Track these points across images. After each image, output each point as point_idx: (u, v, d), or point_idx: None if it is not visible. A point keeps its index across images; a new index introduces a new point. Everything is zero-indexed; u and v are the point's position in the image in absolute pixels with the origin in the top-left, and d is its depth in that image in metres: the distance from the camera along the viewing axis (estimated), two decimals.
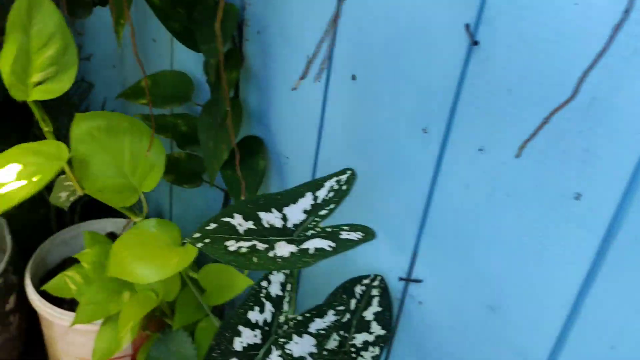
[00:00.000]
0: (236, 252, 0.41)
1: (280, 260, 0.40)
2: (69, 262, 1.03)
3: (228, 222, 0.43)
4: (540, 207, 0.47)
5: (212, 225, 0.43)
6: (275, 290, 0.53)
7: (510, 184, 0.49)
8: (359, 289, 0.62)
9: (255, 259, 0.40)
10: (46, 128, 0.66)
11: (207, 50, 0.61)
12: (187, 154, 0.83)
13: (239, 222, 0.43)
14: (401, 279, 0.62)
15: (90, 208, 1.04)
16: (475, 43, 0.47)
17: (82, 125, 0.68)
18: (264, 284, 0.53)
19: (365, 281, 0.62)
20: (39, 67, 0.60)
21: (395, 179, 0.60)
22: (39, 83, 0.61)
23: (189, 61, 0.84)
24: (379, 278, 0.62)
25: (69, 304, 0.88)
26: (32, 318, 0.97)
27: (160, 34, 0.90)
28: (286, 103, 0.71)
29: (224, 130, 0.70)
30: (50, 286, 0.82)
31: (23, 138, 1.02)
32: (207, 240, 0.42)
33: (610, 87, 0.41)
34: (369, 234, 0.44)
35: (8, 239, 0.92)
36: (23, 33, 0.58)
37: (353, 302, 0.61)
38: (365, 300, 0.61)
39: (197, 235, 0.42)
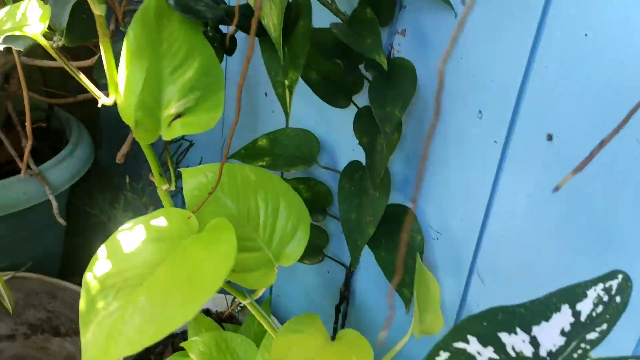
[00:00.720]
0: None
1: None
2: (160, 343, 0.91)
3: (464, 351, 0.30)
4: None
5: (443, 355, 0.30)
6: None
7: None
8: None
9: None
10: (164, 186, 0.50)
11: (382, 115, 0.50)
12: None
13: (477, 349, 0.30)
14: None
15: None
16: None
17: (193, 183, 0.53)
18: None
19: None
20: (176, 94, 0.44)
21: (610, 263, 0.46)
22: (178, 116, 0.44)
23: (309, 118, 0.74)
24: None
25: None
26: None
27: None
28: (439, 166, 0.59)
29: (371, 200, 0.58)
30: None
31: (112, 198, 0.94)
32: None
33: None
34: None
35: None
36: (151, 51, 0.43)
37: None
38: None
39: None
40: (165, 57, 0.43)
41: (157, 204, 0.99)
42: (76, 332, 0.97)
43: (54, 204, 0.81)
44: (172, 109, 0.43)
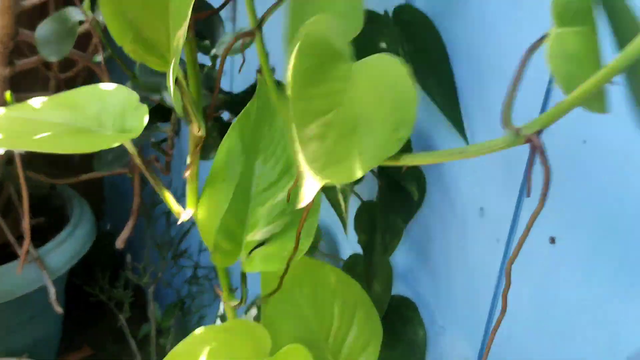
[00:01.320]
0: None
1: None
2: None
3: None
4: None
5: None
6: None
7: None
8: None
9: None
10: (233, 303, 0.45)
11: (385, 226, 0.49)
12: None
13: None
14: None
15: None
16: None
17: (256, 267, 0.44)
18: None
19: None
20: (264, 218, 0.38)
21: None
22: (261, 243, 0.38)
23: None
24: None
25: None
26: None
27: None
28: (444, 259, 0.58)
29: (372, 294, 0.57)
30: None
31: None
32: None
33: None
34: None
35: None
36: (244, 164, 0.37)
37: None
38: None
39: None
40: (260, 171, 0.38)
41: (158, 284, 0.97)
42: None
43: (51, 290, 0.79)
44: (257, 235, 0.39)
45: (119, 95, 0.33)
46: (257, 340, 0.40)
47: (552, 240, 0.49)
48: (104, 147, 0.30)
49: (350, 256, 0.61)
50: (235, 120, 0.38)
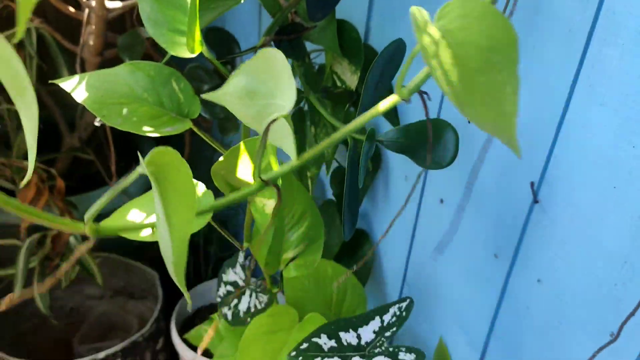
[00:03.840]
0: None
1: None
2: (203, 310, 1.23)
3: (316, 342, 0.58)
4: None
5: (304, 345, 0.58)
6: None
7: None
8: None
9: None
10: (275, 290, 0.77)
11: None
12: None
13: (324, 341, 0.58)
14: None
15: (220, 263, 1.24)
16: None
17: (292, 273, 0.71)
18: None
19: None
20: (293, 243, 0.65)
21: (470, 287, 0.72)
22: (292, 259, 0.66)
23: None
24: None
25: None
26: (175, 357, 1.18)
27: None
28: (385, 208, 0.86)
29: (337, 228, 0.86)
30: (190, 335, 1.02)
31: None
32: (300, 358, 0.57)
33: None
34: (419, 357, 0.57)
35: (160, 291, 1.14)
36: (278, 214, 0.63)
37: None
38: None
39: (293, 353, 0.57)
40: (287, 218, 0.65)
41: None
42: (144, 297, 1.31)
43: None
44: (290, 254, 0.66)
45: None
46: (290, 316, 0.72)
47: (442, 201, 0.75)
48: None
49: (323, 202, 0.90)
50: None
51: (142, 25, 0.89)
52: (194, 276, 1.31)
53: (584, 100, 0.52)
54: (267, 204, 0.53)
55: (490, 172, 0.65)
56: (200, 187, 0.60)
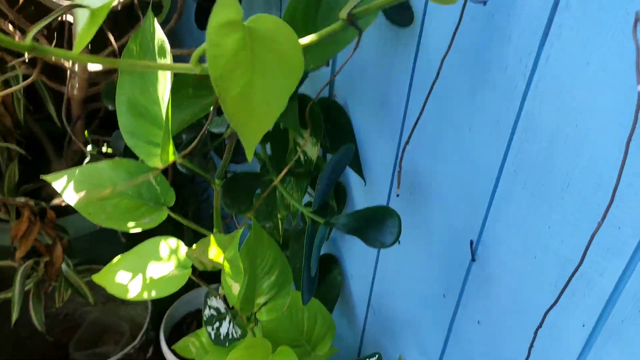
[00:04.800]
0: None
1: None
2: (190, 316, 1.33)
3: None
4: None
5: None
6: None
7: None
8: None
9: None
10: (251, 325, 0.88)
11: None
12: None
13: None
14: None
15: (208, 272, 1.33)
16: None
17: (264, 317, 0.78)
18: None
19: None
20: (265, 290, 0.71)
21: (426, 316, 0.81)
22: (264, 303, 0.73)
23: None
24: None
25: None
26: None
27: None
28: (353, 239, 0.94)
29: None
30: (177, 347, 1.11)
31: None
32: None
33: None
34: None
35: (149, 302, 1.23)
36: (251, 266, 0.69)
37: None
38: None
39: None
40: (259, 267, 0.71)
41: None
42: (137, 302, 1.39)
43: None
44: (262, 299, 0.73)
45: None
46: (264, 348, 0.80)
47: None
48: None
49: (297, 231, 0.98)
50: (241, 248, 0.70)
51: None
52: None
53: (510, 181, 0.60)
54: (233, 285, 0.61)
55: (439, 225, 0.73)
56: (182, 249, 0.68)
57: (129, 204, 0.57)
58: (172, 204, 0.59)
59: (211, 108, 0.55)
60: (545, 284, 0.60)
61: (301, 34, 0.53)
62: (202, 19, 0.86)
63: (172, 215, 0.60)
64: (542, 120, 0.55)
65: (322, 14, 0.51)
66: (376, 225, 0.57)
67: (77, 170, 0.57)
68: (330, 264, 0.99)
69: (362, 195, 0.87)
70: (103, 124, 1.27)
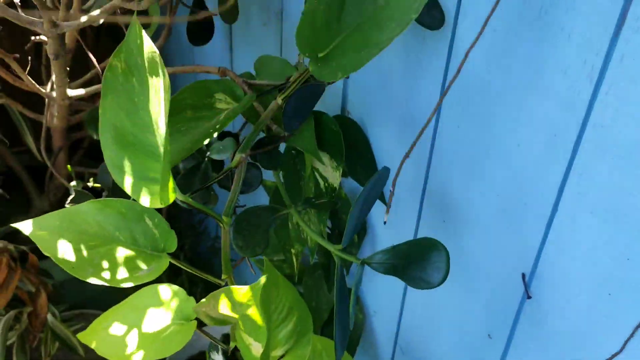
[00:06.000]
0: None
1: None
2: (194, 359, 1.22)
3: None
4: None
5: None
6: None
7: None
8: None
9: None
10: None
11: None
12: None
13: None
14: None
15: None
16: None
17: None
18: None
19: None
20: (282, 341, 0.61)
21: None
22: (281, 357, 0.62)
23: None
24: None
25: None
26: None
27: None
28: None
29: (325, 294, 0.84)
30: None
31: None
32: None
33: None
34: None
35: None
36: (265, 310, 0.59)
37: None
38: None
39: None
40: (274, 315, 0.61)
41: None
42: None
43: None
44: (279, 351, 0.62)
45: None
46: None
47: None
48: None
49: (312, 265, 0.88)
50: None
51: None
52: None
53: (573, 205, 0.51)
54: (253, 345, 0.51)
55: (480, 255, 0.63)
56: (184, 298, 0.57)
57: (122, 252, 0.47)
58: (173, 249, 0.49)
59: (215, 134, 0.45)
60: (620, 326, 0.50)
61: (323, 40, 0.44)
62: (195, 34, 0.77)
63: (174, 262, 0.50)
64: (615, 132, 0.46)
65: (349, 11, 0.42)
66: (419, 261, 0.48)
67: (53, 215, 0.47)
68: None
69: (382, 223, 0.77)
70: (88, 154, 1.17)
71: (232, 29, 0.99)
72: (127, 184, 0.43)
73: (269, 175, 0.81)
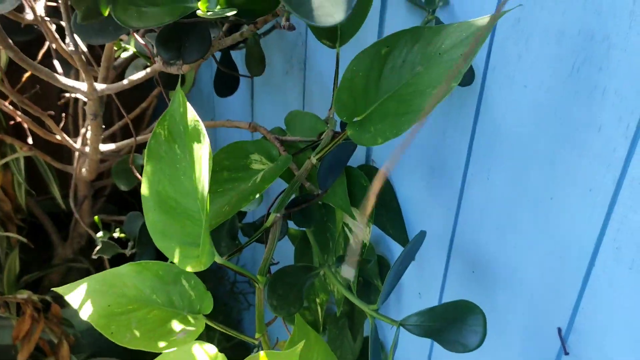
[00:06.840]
0: None
1: None
2: None
3: None
4: None
5: None
6: None
7: None
8: None
9: None
10: None
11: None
12: None
13: None
14: None
15: None
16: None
17: None
18: None
19: None
20: None
21: None
22: None
23: None
24: None
25: None
26: None
27: None
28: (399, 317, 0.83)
29: (350, 343, 0.83)
30: None
31: None
32: None
33: None
34: None
35: None
36: None
37: None
38: None
39: None
40: None
41: None
42: None
43: None
44: None
45: None
46: None
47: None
48: None
49: (334, 313, 0.87)
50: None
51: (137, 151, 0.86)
52: None
53: (611, 260, 0.50)
54: None
55: (512, 309, 0.62)
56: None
57: (158, 314, 0.47)
58: (209, 310, 0.49)
59: (257, 195, 0.46)
60: None
61: (361, 105, 0.45)
62: (222, 86, 0.78)
63: (210, 324, 0.50)
64: None
65: (386, 76, 0.43)
66: (456, 324, 0.47)
67: (93, 279, 0.47)
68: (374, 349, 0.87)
69: (411, 274, 0.76)
70: (109, 199, 1.18)
71: (253, 77, 1.00)
72: (168, 249, 0.44)
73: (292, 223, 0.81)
